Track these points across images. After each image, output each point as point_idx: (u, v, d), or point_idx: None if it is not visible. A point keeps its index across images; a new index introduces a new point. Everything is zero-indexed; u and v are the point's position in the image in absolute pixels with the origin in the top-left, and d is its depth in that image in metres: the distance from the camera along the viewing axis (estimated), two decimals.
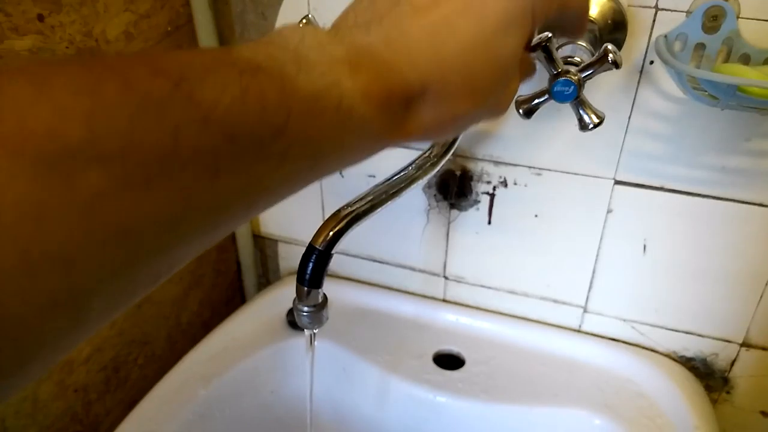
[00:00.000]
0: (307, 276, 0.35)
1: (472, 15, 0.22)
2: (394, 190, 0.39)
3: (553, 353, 0.56)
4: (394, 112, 0.22)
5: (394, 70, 0.21)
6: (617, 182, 0.50)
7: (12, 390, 0.15)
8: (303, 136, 0.18)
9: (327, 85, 0.19)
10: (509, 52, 0.24)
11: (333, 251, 0.35)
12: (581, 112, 0.32)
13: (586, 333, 0.58)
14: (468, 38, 0.22)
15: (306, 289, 0.35)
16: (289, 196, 0.21)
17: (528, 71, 0.30)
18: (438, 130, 0.24)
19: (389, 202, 0.39)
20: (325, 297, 0.36)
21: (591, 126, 0.32)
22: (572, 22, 0.29)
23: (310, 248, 0.35)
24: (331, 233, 0.36)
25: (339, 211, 0.37)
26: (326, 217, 0.36)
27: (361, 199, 0.38)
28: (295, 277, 0.61)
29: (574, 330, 0.58)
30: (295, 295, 0.36)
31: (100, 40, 0.44)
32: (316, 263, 0.35)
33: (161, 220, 0.15)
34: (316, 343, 0.59)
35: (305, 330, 0.38)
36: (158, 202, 0.15)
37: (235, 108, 0.16)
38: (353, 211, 0.37)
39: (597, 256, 0.54)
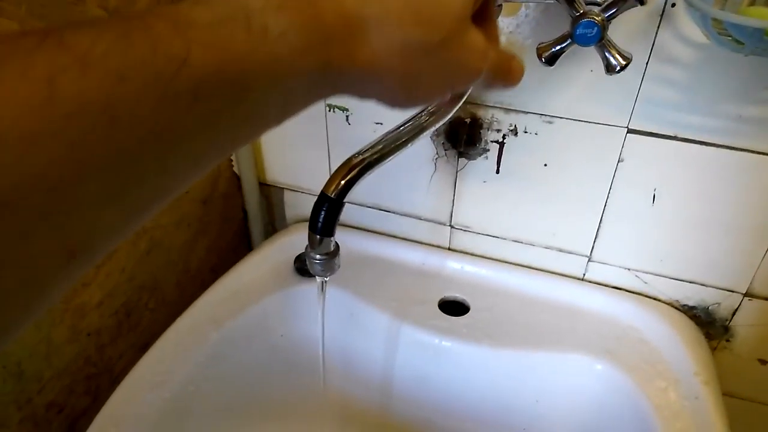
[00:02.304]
0: (320, 224, 0.35)
1: None
2: (404, 138, 0.39)
3: (557, 301, 0.57)
4: (334, 37, 0.20)
5: None
6: (630, 131, 0.49)
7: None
8: (212, 69, 0.17)
9: (230, 9, 0.18)
10: None
11: (344, 200, 0.35)
12: (607, 54, 0.30)
13: (590, 282, 0.58)
14: None
15: (318, 237, 0.35)
16: (231, 148, 0.19)
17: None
18: (393, 59, 0.22)
19: (400, 150, 0.38)
20: (336, 245, 0.36)
21: (618, 68, 0.31)
22: None
23: (322, 197, 0.35)
24: (342, 182, 0.35)
25: (350, 159, 0.37)
26: (332, 166, 0.36)
27: (371, 147, 0.37)
28: (302, 225, 0.61)
29: (578, 279, 0.59)
30: (303, 242, 0.36)
31: None
32: (328, 212, 0.34)
33: (53, 184, 0.14)
34: (329, 275, 0.60)
35: (317, 277, 0.39)
36: (45, 163, 0.14)
37: (119, 48, 0.15)
38: (364, 159, 0.36)
39: (605, 205, 0.54)
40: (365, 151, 0.37)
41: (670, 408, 0.46)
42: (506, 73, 0.27)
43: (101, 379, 0.53)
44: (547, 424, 0.53)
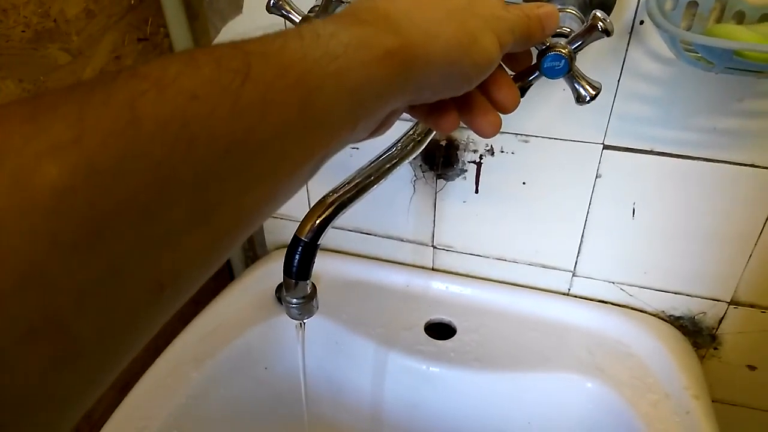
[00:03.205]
0: (294, 268, 0.34)
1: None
2: (379, 173, 0.38)
3: (543, 318, 0.57)
4: (378, 28, 0.22)
5: (387, 31, 0.22)
6: (606, 147, 0.49)
7: None
8: (273, 76, 0.18)
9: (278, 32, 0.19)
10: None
11: (319, 242, 0.34)
12: (576, 85, 0.30)
13: (575, 296, 0.58)
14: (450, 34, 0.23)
15: (294, 281, 0.34)
16: (307, 161, 0.20)
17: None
18: (443, 27, 0.23)
19: (375, 186, 0.38)
20: (313, 287, 0.35)
21: (588, 99, 0.30)
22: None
23: (296, 240, 0.34)
24: (317, 221, 0.35)
25: (324, 198, 0.36)
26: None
27: (346, 184, 0.37)
28: (281, 252, 0.60)
29: (563, 294, 0.58)
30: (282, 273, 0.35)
31: (59, 20, 0.41)
32: (302, 255, 0.34)
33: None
34: (306, 317, 0.59)
35: (295, 320, 0.38)
36: (134, 186, 0.14)
37: (188, 70, 0.16)
38: (339, 197, 0.36)
39: (586, 220, 0.53)
40: (340, 188, 0.36)
41: (661, 424, 0.46)
42: (539, 18, 0.27)
43: (80, 424, 0.51)
44: None
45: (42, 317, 0.13)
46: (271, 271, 0.62)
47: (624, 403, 0.48)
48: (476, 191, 0.55)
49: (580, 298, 0.58)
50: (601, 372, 0.51)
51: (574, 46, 0.29)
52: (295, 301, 0.34)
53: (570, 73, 0.29)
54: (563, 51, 0.28)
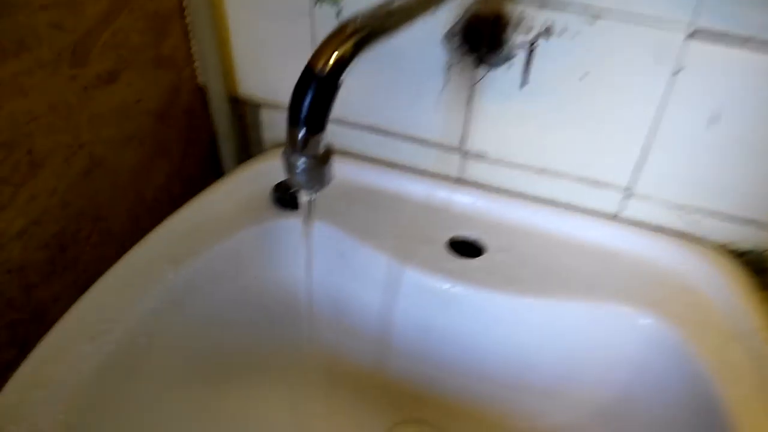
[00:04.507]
0: (304, 113, 0.24)
1: None
2: (417, 4, 0.28)
3: (588, 242, 0.48)
4: None
5: None
6: (692, 33, 0.39)
7: None
8: None
9: None
10: None
11: (340, 80, 0.25)
12: None
13: (626, 220, 0.49)
14: None
15: (303, 132, 0.24)
16: None
17: None
18: None
19: (415, 18, 0.28)
20: (329, 147, 0.26)
21: None
22: None
23: (307, 74, 0.24)
24: (334, 55, 0.25)
25: (343, 27, 0.26)
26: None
27: (373, 11, 0.27)
28: (280, 149, 0.49)
29: (611, 216, 0.50)
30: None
31: None
32: (316, 95, 0.24)
33: None
34: (316, 189, 0.51)
35: (301, 194, 0.28)
36: None
37: None
38: (364, 27, 0.26)
39: (653, 127, 0.44)
40: (364, 17, 0.26)
41: (731, 370, 0.38)
42: None
43: (29, 326, 0.43)
44: (575, 386, 0.45)
45: None
46: (268, 169, 0.53)
47: (685, 345, 0.40)
48: (523, 85, 0.45)
49: (631, 222, 0.49)
50: (656, 307, 0.43)
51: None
52: (302, 162, 0.25)
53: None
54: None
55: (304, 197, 0.29)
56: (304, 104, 0.23)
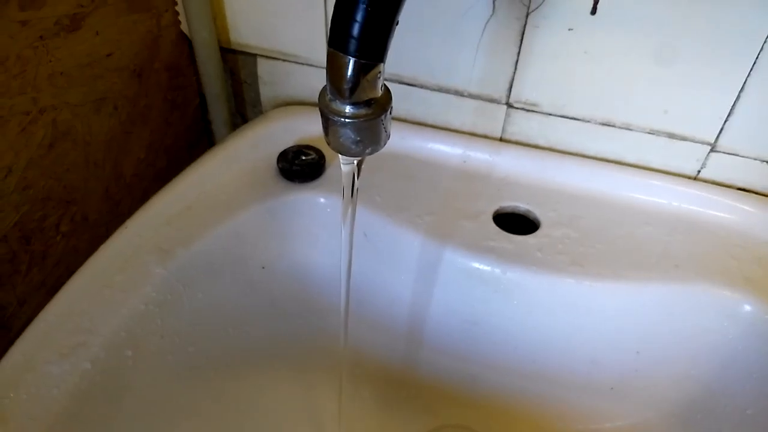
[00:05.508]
0: (355, 34, 0.15)
1: None
2: None
3: (664, 209, 0.40)
4: None
5: None
6: None
7: None
8: None
9: None
10: None
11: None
12: None
13: (708, 181, 0.41)
14: None
15: (354, 61, 0.15)
16: None
17: None
18: None
19: None
20: (387, 88, 0.17)
21: None
22: None
23: None
24: None
25: None
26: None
27: None
28: (285, 110, 0.41)
29: (690, 177, 0.41)
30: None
31: None
32: (372, 10, 0.15)
33: None
34: (321, 199, 0.42)
35: (344, 158, 0.20)
36: None
37: None
38: None
39: (750, 68, 0.35)
40: None
41: None
42: None
43: None
44: (649, 383, 0.37)
45: None
46: (270, 135, 0.44)
47: None
48: (593, 11, 0.36)
49: (716, 183, 0.41)
50: (753, 285, 0.35)
51: None
52: (349, 109, 0.16)
53: None
54: None
55: (345, 163, 0.20)
56: (357, 14, 0.14)
